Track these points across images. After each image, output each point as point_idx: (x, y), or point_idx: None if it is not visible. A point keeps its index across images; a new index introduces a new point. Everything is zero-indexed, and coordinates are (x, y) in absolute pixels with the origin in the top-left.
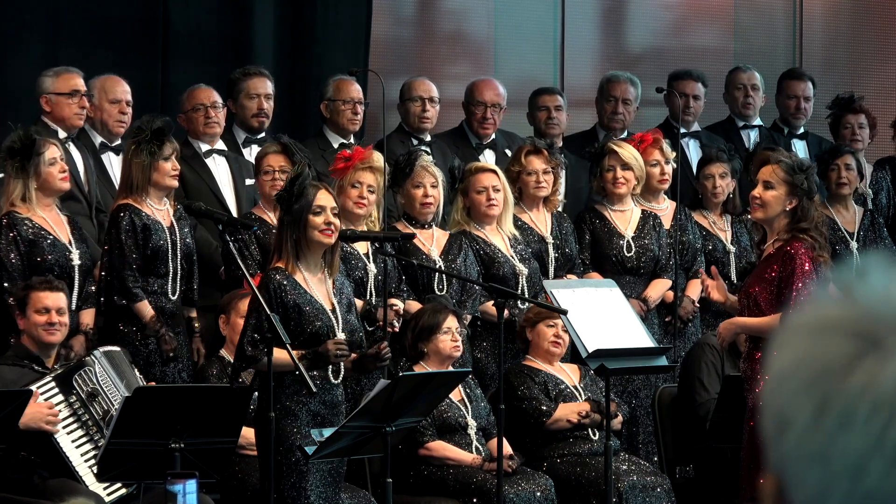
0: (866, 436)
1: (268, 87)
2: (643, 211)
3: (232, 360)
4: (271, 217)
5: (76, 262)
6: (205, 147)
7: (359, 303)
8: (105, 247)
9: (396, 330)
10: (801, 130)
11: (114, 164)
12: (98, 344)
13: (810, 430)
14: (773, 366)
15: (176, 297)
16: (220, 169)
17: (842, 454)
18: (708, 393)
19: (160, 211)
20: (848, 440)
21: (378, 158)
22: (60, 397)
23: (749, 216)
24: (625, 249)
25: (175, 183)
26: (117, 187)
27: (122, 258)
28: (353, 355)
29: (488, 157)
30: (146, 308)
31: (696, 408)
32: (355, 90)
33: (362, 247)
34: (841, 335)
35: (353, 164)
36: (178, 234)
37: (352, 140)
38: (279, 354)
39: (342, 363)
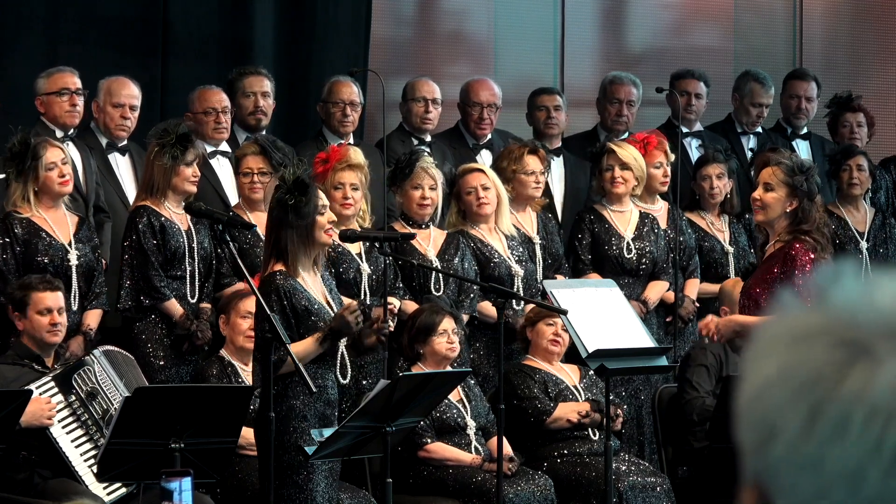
0: (863, 443)
1: (264, 84)
2: (641, 212)
3: (230, 360)
4: (250, 217)
5: (73, 262)
6: (209, 148)
7: (353, 303)
8: (126, 250)
9: (392, 329)
10: (805, 131)
11: (120, 164)
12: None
13: (802, 438)
14: (753, 375)
15: (195, 299)
16: (223, 170)
17: (837, 461)
18: (697, 392)
19: (178, 214)
20: (843, 447)
21: (356, 155)
22: (60, 397)
23: (749, 217)
24: (624, 251)
25: (194, 189)
26: (124, 187)
27: (146, 259)
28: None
29: (485, 158)
30: (175, 306)
31: (684, 405)
32: (347, 92)
33: (354, 247)
34: (825, 343)
35: (332, 165)
36: (195, 238)
37: (351, 140)
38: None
39: (345, 355)
